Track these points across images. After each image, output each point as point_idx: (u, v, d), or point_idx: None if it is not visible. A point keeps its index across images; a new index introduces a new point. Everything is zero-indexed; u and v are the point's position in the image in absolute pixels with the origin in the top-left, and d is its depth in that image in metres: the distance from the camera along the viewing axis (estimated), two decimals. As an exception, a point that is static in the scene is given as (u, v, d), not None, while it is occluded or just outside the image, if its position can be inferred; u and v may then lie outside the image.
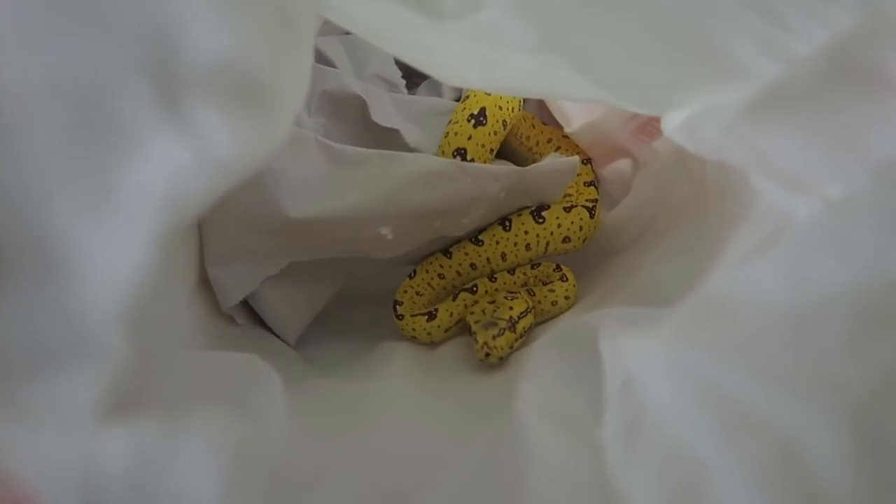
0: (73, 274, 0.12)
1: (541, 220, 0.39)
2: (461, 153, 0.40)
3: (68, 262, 0.12)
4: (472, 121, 0.41)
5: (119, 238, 0.13)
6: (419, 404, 0.27)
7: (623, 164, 0.46)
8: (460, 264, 0.41)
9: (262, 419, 0.17)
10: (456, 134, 0.41)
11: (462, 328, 0.40)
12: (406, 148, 0.41)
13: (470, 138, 0.41)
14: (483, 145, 0.41)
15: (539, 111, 0.48)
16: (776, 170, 0.19)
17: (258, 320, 0.37)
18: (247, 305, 0.36)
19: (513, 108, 0.43)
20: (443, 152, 0.41)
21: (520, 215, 0.39)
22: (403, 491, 0.19)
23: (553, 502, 0.18)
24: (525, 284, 0.40)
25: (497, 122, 0.42)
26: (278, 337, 0.37)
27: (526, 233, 0.39)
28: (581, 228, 0.40)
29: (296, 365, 0.33)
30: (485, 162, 0.41)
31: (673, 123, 0.24)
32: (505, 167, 0.35)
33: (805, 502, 0.14)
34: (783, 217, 0.19)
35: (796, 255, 0.15)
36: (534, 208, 0.40)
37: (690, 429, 0.17)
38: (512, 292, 0.38)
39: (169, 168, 0.13)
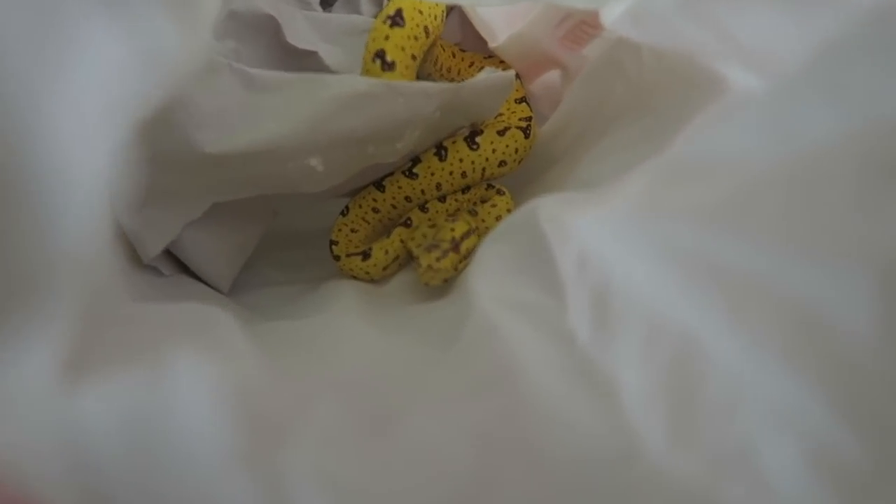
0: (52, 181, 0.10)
1: (475, 147, 0.37)
2: (380, 55, 0.37)
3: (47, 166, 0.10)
4: (389, 21, 0.37)
5: (84, 142, 0.10)
6: (380, 332, 0.26)
7: (551, 78, 0.45)
8: (394, 197, 0.39)
9: (235, 356, 0.15)
10: (374, 39, 0.37)
11: (402, 264, 0.39)
12: (325, 70, 0.38)
13: (387, 38, 0.37)
14: (403, 48, 0.38)
15: (461, 26, 0.46)
16: (736, 46, 0.18)
17: (186, 269, 0.34)
18: (171, 254, 0.33)
19: (435, 16, 0.40)
20: (365, 64, 0.38)
21: (454, 142, 0.38)
22: (392, 409, 0.18)
23: (543, 390, 0.17)
24: (458, 210, 0.39)
25: (417, 26, 0.38)
26: (210, 286, 0.34)
27: (461, 160, 0.38)
28: (517, 151, 0.38)
29: (236, 312, 0.31)
30: (408, 69, 0.38)
31: (614, 14, 0.23)
32: (438, 84, 0.33)
33: (832, 368, 0.13)
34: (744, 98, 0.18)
35: (777, 109, 0.14)
36: (467, 134, 0.38)
37: (672, 302, 0.16)
38: (452, 215, 0.37)
39: (116, 64, 0.11)
